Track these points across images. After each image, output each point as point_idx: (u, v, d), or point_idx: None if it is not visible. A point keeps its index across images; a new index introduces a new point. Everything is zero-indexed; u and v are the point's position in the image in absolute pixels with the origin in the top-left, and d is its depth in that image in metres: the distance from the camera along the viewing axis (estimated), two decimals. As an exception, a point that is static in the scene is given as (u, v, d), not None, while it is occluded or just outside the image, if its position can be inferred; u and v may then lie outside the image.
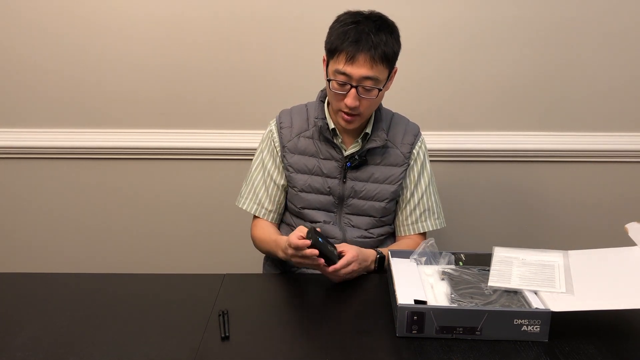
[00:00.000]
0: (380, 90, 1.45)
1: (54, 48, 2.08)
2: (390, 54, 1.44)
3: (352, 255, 1.38)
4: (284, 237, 1.45)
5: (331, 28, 1.47)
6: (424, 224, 1.64)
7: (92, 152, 2.18)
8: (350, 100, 1.44)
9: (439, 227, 1.66)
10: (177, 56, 2.08)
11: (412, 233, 1.64)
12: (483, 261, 1.39)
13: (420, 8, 2.03)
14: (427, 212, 1.64)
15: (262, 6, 2.03)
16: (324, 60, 1.51)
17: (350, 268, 1.38)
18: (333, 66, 1.45)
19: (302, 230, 1.37)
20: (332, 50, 1.45)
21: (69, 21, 2.06)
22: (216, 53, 2.08)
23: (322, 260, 1.34)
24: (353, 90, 1.43)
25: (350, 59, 1.40)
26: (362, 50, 1.40)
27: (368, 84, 1.43)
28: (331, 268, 1.35)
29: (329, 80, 1.47)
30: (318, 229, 1.40)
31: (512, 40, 2.06)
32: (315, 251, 1.32)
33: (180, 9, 2.04)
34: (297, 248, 1.33)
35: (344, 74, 1.42)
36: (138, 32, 2.06)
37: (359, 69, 1.41)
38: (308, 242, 1.32)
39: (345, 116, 1.48)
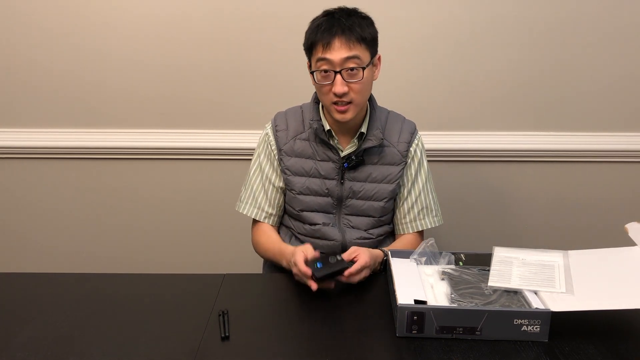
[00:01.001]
0: (364, 69, 1.44)
1: (54, 48, 2.08)
2: (366, 35, 1.44)
3: (364, 261, 1.36)
4: (290, 248, 1.44)
5: (306, 30, 1.49)
6: (422, 222, 1.64)
7: (92, 152, 2.18)
8: (338, 86, 1.43)
9: (436, 225, 1.66)
10: (177, 56, 2.09)
11: (410, 231, 1.64)
12: (483, 261, 1.39)
13: (418, 8, 2.03)
14: (424, 210, 1.64)
15: (262, 6, 2.03)
16: (308, 66, 1.52)
17: (363, 274, 1.36)
18: (314, 58, 1.46)
19: (306, 249, 1.36)
20: (309, 47, 1.47)
21: (69, 21, 2.06)
22: (216, 53, 2.08)
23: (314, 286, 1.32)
24: (338, 76, 1.43)
25: (327, 45, 1.42)
26: (336, 35, 1.42)
27: (350, 64, 1.43)
28: (347, 273, 1.33)
29: (312, 74, 1.47)
30: (317, 253, 1.38)
31: (511, 40, 2.06)
32: (314, 285, 1.31)
33: (180, 9, 2.04)
34: (306, 275, 1.32)
35: (324, 60, 1.43)
36: (138, 32, 2.06)
37: (337, 52, 1.42)
38: (309, 271, 1.31)
39: (338, 107, 1.47)
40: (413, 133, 1.62)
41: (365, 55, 1.44)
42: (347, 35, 1.41)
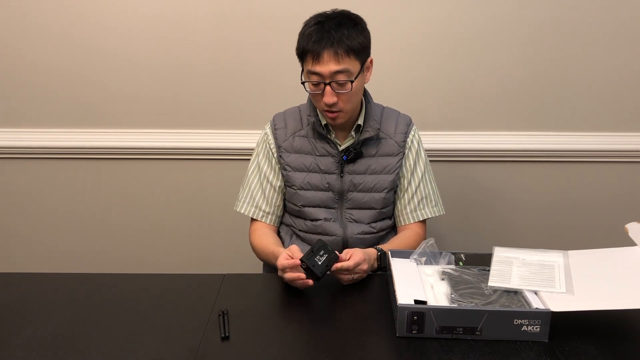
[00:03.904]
0: (352, 82, 1.46)
1: (54, 48, 2.08)
2: (355, 45, 1.46)
3: (360, 256, 1.37)
4: (282, 250, 1.44)
5: (299, 34, 1.50)
6: (423, 211, 1.65)
7: (92, 152, 2.18)
8: (327, 97, 1.47)
9: (437, 214, 1.68)
10: (177, 56, 2.09)
11: (412, 221, 1.66)
12: (483, 261, 1.39)
13: (416, 8, 2.03)
14: (425, 200, 1.65)
15: (262, 5, 2.03)
16: (302, 72, 1.54)
17: (361, 268, 1.37)
18: (305, 68, 1.49)
19: (290, 250, 1.37)
20: (300, 55, 1.50)
21: (69, 21, 2.06)
22: (216, 53, 2.08)
23: (309, 282, 1.32)
24: (328, 88, 1.46)
25: (316, 58, 1.44)
26: (325, 48, 1.44)
27: (340, 77, 1.45)
28: (340, 265, 1.34)
29: (303, 83, 1.50)
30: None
31: (512, 40, 2.06)
32: (297, 275, 1.31)
33: (181, 9, 2.04)
34: (284, 268, 1.33)
35: (314, 73, 1.46)
36: (138, 33, 2.06)
37: (326, 66, 1.44)
38: (297, 262, 1.31)
39: (329, 114, 1.52)
40: (409, 125, 1.65)
41: (354, 66, 1.47)
42: (335, 49, 1.43)
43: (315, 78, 1.47)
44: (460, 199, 2.21)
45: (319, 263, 1.32)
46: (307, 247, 1.35)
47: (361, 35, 1.48)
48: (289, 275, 1.33)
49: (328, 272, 1.34)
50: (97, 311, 1.28)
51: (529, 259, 1.36)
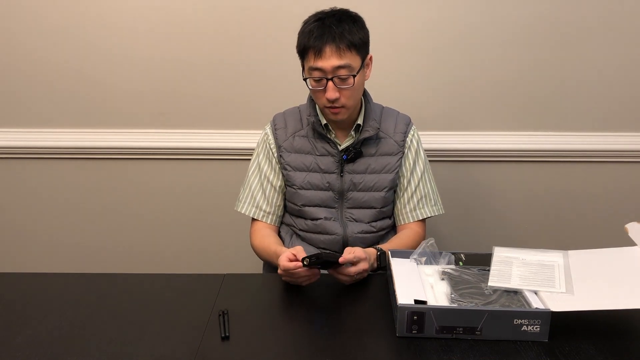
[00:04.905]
0: (354, 76, 1.47)
1: (54, 48, 2.08)
2: (356, 40, 1.47)
3: (361, 253, 1.36)
4: (284, 250, 1.44)
5: (299, 32, 1.51)
6: (422, 210, 1.66)
7: (92, 152, 2.18)
8: (330, 93, 1.47)
9: (437, 214, 1.68)
10: (177, 56, 2.09)
11: (411, 220, 1.66)
12: (483, 261, 1.39)
13: (418, 7, 2.03)
14: (424, 199, 1.66)
15: (263, 5, 2.03)
16: (302, 70, 1.54)
17: (361, 266, 1.36)
18: (306, 65, 1.50)
19: (296, 250, 1.36)
20: (302, 51, 1.50)
21: (70, 21, 2.06)
22: (216, 53, 2.08)
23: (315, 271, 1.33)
24: (330, 83, 1.47)
25: (318, 53, 1.45)
26: (327, 43, 1.45)
27: (342, 73, 1.46)
28: (344, 259, 1.32)
29: (305, 80, 1.51)
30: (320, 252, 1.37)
31: (512, 39, 2.06)
32: (299, 264, 1.30)
33: (181, 9, 2.04)
34: (287, 269, 1.32)
35: (316, 69, 1.47)
36: (138, 33, 2.06)
37: (328, 61, 1.45)
38: (299, 264, 1.30)
39: (331, 110, 1.52)
40: (408, 124, 1.66)
41: (356, 61, 1.48)
42: (337, 44, 1.45)
43: (317, 74, 1.47)
44: (460, 199, 2.21)
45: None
46: (308, 247, 1.35)
47: (361, 31, 1.50)
48: (294, 272, 1.32)
49: (326, 270, 1.34)
50: (97, 311, 1.28)
51: (529, 259, 1.36)
